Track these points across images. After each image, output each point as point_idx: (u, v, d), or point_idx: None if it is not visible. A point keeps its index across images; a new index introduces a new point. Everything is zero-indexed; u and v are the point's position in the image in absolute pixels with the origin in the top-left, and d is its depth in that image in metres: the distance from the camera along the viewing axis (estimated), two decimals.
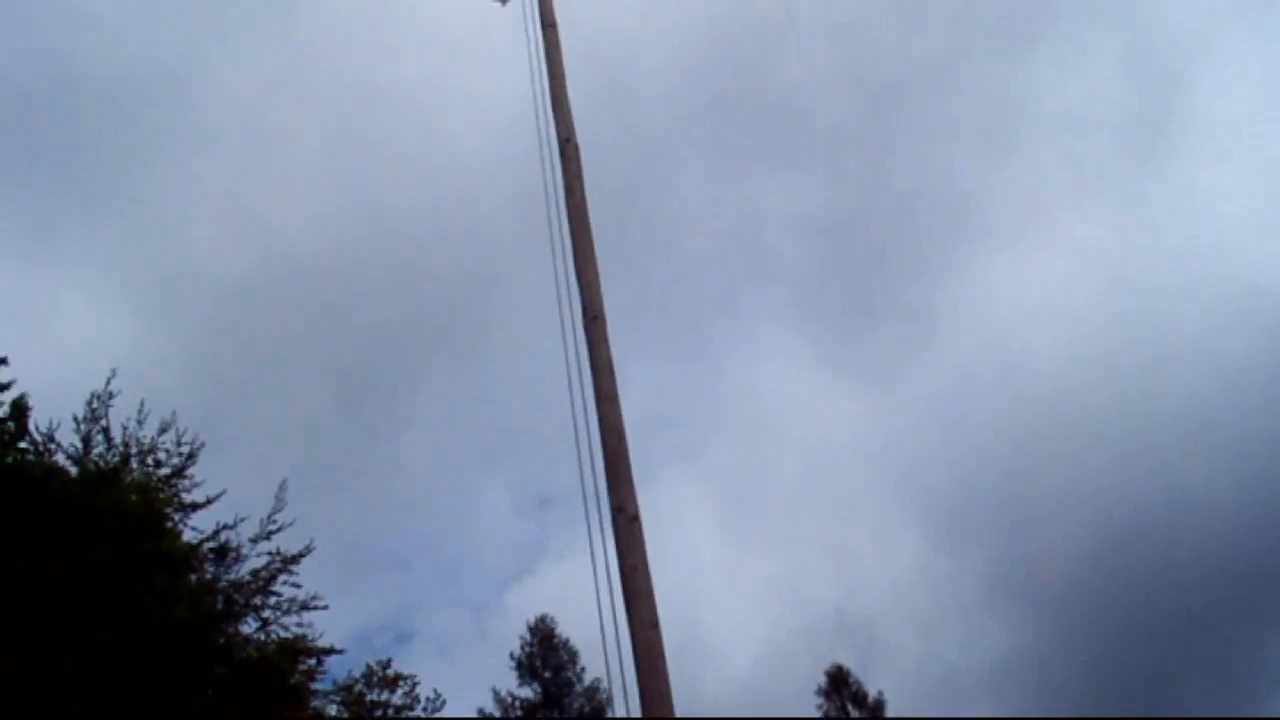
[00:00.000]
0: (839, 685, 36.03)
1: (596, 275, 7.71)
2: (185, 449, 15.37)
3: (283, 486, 15.94)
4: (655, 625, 6.88)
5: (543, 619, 36.99)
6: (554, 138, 7.78)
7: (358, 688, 16.46)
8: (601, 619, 7.23)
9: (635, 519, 7.47)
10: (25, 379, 13.93)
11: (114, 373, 15.21)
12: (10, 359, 13.76)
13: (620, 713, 6.58)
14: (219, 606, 15.02)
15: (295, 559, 15.86)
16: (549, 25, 8.18)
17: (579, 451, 7.66)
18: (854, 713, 35.49)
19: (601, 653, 6.96)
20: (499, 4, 8.92)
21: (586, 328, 7.69)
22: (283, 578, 15.76)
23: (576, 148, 7.83)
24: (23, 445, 14.02)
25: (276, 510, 15.80)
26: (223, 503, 15.56)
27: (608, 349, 7.69)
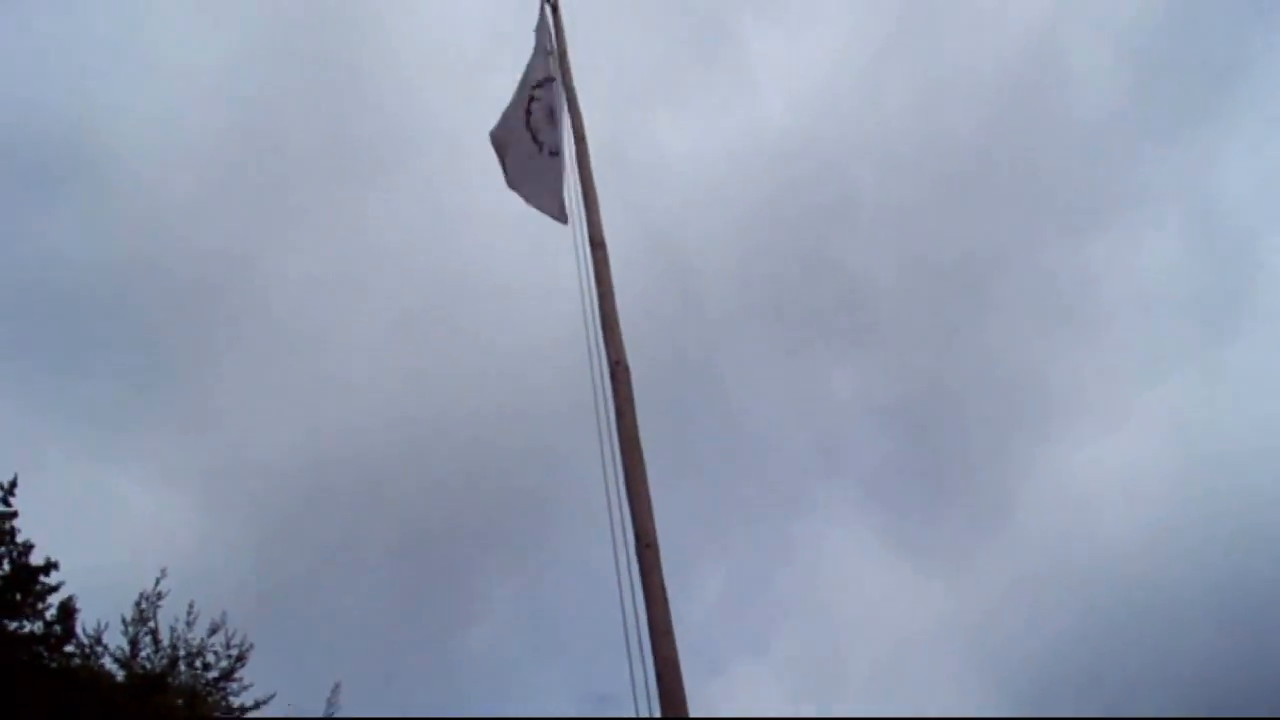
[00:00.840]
0: None
1: (649, 502, 7.39)
2: (235, 650, 15.04)
3: (335, 690, 15.51)
4: None
5: None
6: (605, 360, 7.60)
7: None
8: None
9: None
10: (76, 577, 13.76)
11: (163, 573, 15.02)
12: (61, 559, 13.63)
13: None
14: None
15: None
16: (597, 245, 8.03)
17: (633, 684, 7.28)
18: None
19: None
20: (560, 223, 8.87)
21: (639, 555, 7.34)
22: None
23: (627, 370, 7.56)
24: (69, 649, 13.77)
25: (330, 713, 15.35)
26: (273, 704, 15.16)
27: (660, 577, 7.31)
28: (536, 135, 9.15)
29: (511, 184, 9.31)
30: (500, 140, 9.23)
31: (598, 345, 7.59)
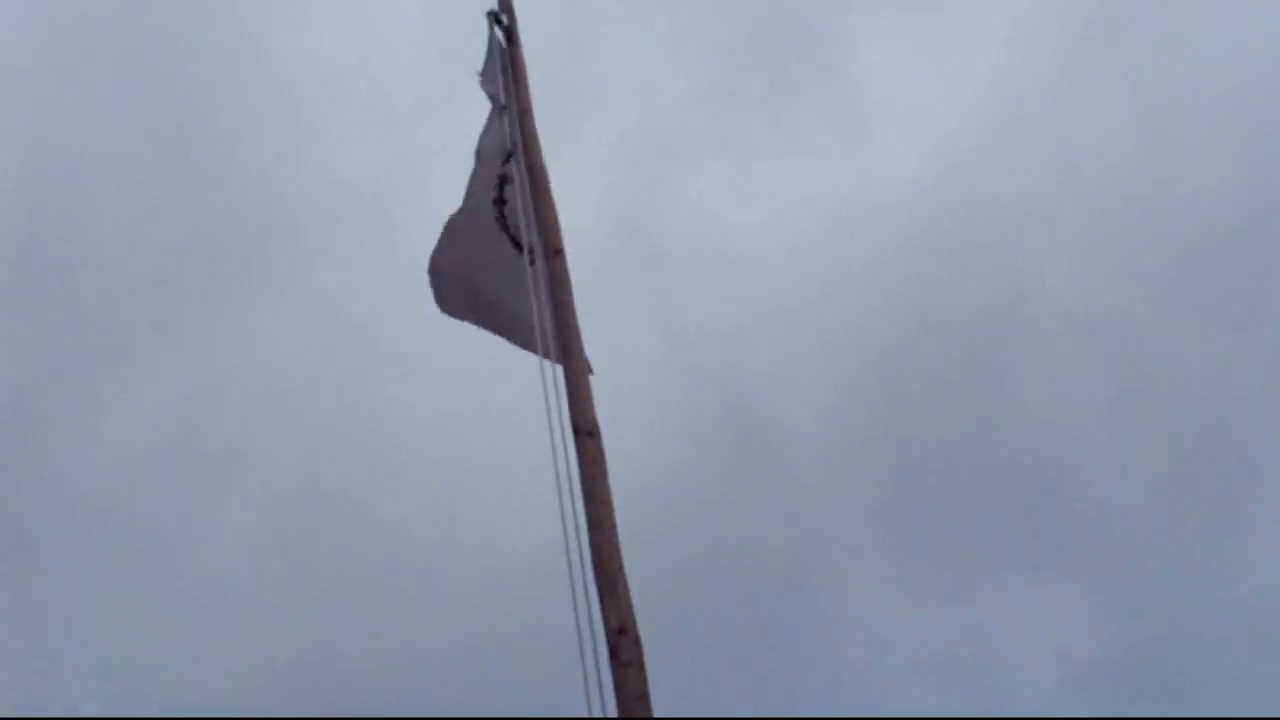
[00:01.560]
0: None
1: None
2: None
3: None
4: None
5: None
6: (602, 630, 4.67)
7: None
8: None
9: None
10: None
11: None
12: None
13: None
14: None
15: None
16: (585, 433, 5.06)
17: None
18: None
19: None
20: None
21: None
22: None
23: (638, 641, 4.50)
24: None
25: None
26: None
27: None
28: (513, 232, 6.28)
29: (453, 309, 6.44)
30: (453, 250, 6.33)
31: (589, 605, 4.69)
